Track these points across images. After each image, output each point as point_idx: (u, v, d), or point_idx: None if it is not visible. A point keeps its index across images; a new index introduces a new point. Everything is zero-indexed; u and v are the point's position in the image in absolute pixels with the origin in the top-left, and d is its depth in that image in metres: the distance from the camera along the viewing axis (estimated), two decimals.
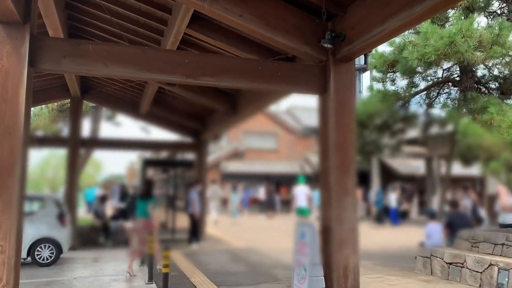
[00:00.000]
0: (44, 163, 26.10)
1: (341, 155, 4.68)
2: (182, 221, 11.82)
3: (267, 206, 20.95)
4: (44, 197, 8.92)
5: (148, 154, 16.77)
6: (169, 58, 4.32)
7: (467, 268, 6.73)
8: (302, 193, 13.05)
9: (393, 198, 16.62)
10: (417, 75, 8.36)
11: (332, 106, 4.71)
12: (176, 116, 11.26)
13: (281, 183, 24.06)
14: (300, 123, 25.83)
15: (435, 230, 7.79)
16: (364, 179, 23.18)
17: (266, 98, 6.72)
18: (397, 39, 7.79)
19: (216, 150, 25.31)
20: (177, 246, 11.20)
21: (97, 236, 11.71)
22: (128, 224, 9.10)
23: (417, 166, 22.47)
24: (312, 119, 26.39)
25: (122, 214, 15.38)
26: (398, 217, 16.89)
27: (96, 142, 12.06)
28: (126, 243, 11.71)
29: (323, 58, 4.71)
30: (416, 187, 22.55)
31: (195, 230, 11.05)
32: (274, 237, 13.43)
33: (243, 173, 22.66)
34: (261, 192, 21.45)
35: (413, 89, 8.06)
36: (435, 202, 16.92)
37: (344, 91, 4.72)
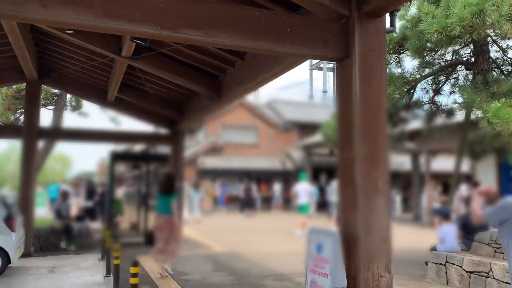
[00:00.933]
0: (4, 157, 24.07)
1: (370, 142, 3.56)
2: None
3: (246, 204, 19.79)
4: None
5: (121, 148, 15.33)
6: (137, 0, 3.05)
7: (494, 278, 5.74)
8: (304, 190, 12.69)
9: None
10: (430, 55, 7.31)
11: (356, 77, 3.58)
12: (149, 103, 9.92)
13: (261, 180, 22.93)
14: (281, 117, 24.72)
15: (450, 233, 6.78)
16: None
17: (259, 75, 5.52)
18: (411, 10, 6.72)
19: (193, 145, 23.92)
20: (150, 251, 9.91)
21: (57, 240, 10.26)
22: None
23: (402, 162, 21.75)
24: (293, 113, 25.35)
25: (88, 214, 13.99)
26: None
27: (57, 133, 10.57)
28: (91, 247, 10.38)
29: (345, 12, 3.57)
30: (401, 184, 21.86)
31: None
32: (258, 239, 12.28)
33: (222, 169, 21.41)
34: (241, 189, 20.26)
35: (427, 70, 7.00)
36: (424, 200, 16.14)
37: (373, 57, 3.59)
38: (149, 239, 7.29)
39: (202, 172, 21.64)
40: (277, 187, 21.64)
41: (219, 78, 7.60)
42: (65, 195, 10.75)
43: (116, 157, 10.99)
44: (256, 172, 22.34)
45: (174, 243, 6.88)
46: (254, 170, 22.27)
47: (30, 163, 9.36)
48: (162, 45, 6.71)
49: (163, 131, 11.17)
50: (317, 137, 22.22)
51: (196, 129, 23.59)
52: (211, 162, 21.94)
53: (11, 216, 7.20)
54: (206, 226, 15.30)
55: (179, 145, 10.91)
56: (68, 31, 6.34)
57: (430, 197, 15.79)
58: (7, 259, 7.01)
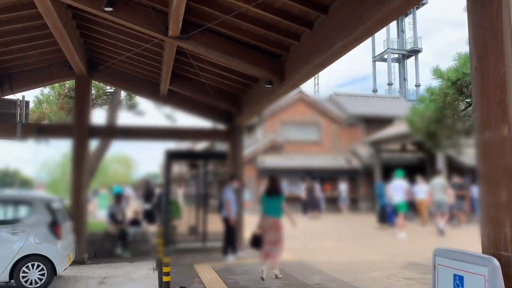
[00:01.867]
0: (66, 159, 24.47)
1: None
2: (216, 226, 9.56)
3: (309, 206, 18.45)
4: (32, 199, 6.82)
5: (184, 147, 14.51)
6: None
7: None
8: (399, 187, 12.31)
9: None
10: None
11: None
12: (202, 94, 8.98)
13: (325, 179, 21.47)
14: (344, 111, 23.08)
15: None
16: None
17: (334, 43, 4.31)
18: None
19: (251, 144, 23.00)
20: (209, 257, 8.96)
21: (112, 246, 9.62)
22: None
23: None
24: (358, 106, 23.61)
25: (147, 217, 13.40)
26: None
27: (109, 131, 9.96)
28: (148, 253, 9.65)
29: None
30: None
31: (231, 238, 8.75)
32: (328, 245, 10.95)
33: (282, 168, 20.23)
34: (302, 190, 18.91)
35: None
36: None
37: None
38: (255, 242, 6.96)
39: (262, 172, 20.60)
40: (342, 187, 20.07)
41: (281, 58, 6.44)
42: (119, 198, 10.10)
43: (172, 156, 10.20)
44: (319, 170, 20.93)
45: (280, 246, 6.84)
46: (316, 169, 20.88)
47: (81, 164, 8.76)
48: (213, 21, 5.69)
49: (220, 127, 10.22)
50: (388, 131, 20.37)
51: (255, 125, 22.63)
52: (271, 161, 20.84)
53: (57, 222, 6.50)
54: None
55: (237, 141, 9.90)
56: (107, 9, 5.48)
57: None
58: (53, 269, 6.32)
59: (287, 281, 6.80)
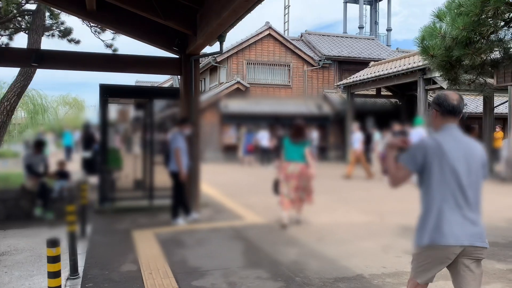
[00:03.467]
0: None
1: None
2: (166, 179, 7.63)
3: (275, 155, 16.73)
4: None
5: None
6: None
7: None
8: (418, 135, 10.91)
9: None
10: None
11: None
12: (143, 8, 6.66)
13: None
14: (316, 52, 21.01)
15: None
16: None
17: None
18: None
19: (214, 86, 20.74)
20: (154, 220, 7.10)
21: (30, 205, 7.55)
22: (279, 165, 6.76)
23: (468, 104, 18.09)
24: (330, 47, 21.58)
25: (86, 166, 11.31)
26: None
27: (20, 56, 7.52)
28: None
29: None
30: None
31: (182, 197, 6.86)
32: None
33: (248, 114, 18.29)
34: (263, 138, 17.07)
35: None
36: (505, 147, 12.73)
37: None
38: (276, 188, 6.81)
39: (225, 117, 18.59)
40: (314, 135, 18.39)
41: None
42: (39, 145, 7.89)
43: (107, 91, 7.98)
44: (288, 117, 19.10)
45: (311, 193, 6.75)
46: (285, 115, 19.04)
47: None
48: None
49: (171, 55, 8.02)
50: (362, 74, 18.62)
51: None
52: (236, 106, 18.80)
53: None
54: (227, 182, 12.45)
55: (191, 74, 7.74)
56: None
57: None
58: None
59: (255, 256, 5.05)
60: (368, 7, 39.83)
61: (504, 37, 5.24)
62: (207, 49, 8.28)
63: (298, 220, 6.76)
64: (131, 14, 7.15)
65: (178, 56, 7.87)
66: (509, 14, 4.82)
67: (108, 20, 7.38)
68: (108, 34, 10.58)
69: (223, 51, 19.87)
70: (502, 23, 5.02)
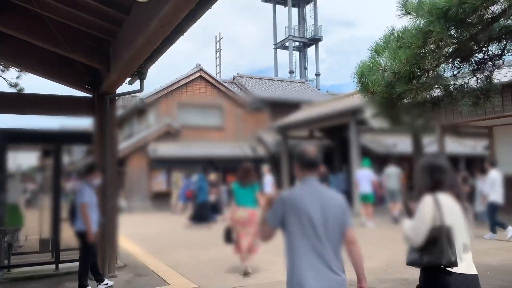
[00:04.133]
0: None
1: None
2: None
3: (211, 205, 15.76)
4: None
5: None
6: None
7: None
8: (367, 177, 11.91)
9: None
10: None
11: None
12: (48, 39, 5.69)
13: (228, 170, 18.96)
14: (249, 95, 20.76)
15: None
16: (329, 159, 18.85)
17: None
18: None
19: (142, 129, 19.56)
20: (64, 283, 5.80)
21: None
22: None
23: (394, 144, 18.50)
24: (263, 89, 21.47)
25: None
26: None
27: None
28: None
29: None
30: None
31: (90, 262, 5.67)
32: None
33: (179, 158, 17.25)
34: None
35: None
36: None
37: None
38: (228, 236, 6.46)
39: (154, 162, 17.40)
40: (267, 179, 17.69)
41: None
42: None
43: (6, 137, 6.73)
44: (222, 160, 18.35)
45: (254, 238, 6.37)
46: (219, 158, 18.28)
47: None
48: None
49: (82, 94, 7.00)
50: (295, 116, 18.51)
51: (146, 107, 19.18)
52: (166, 149, 17.72)
53: None
54: (155, 235, 11.25)
55: (105, 116, 6.76)
56: None
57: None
58: None
59: None
60: (298, 53, 41.28)
61: (444, 73, 4.94)
62: (129, 88, 7.36)
63: (247, 269, 6.37)
64: (34, 47, 6.14)
65: (91, 95, 6.89)
66: (449, 49, 4.51)
67: (3, 53, 6.28)
68: (13, 72, 9.31)
69: (153, 92, 19.00)
70: (443, 58, 4.71)
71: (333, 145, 19.60)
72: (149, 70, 6.50)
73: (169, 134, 18.52)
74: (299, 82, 25.87)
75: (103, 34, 5.81)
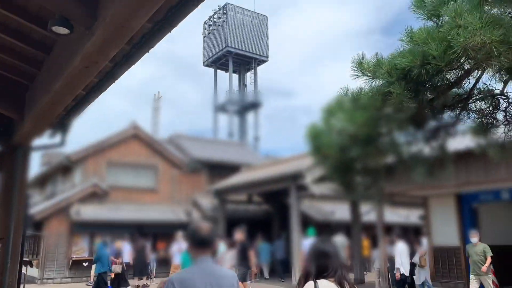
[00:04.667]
0: None
1: None
2: None
3: (137, 271, 14.28)
4: None
5: None
6: None
7: None
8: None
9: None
10: None
11: None
12: None
13: (159, 236, 17.56)
14: (186, 155, 20.00)
15: None
16: (267, 228, 18.19)
17: None
18: None
19: (66, 189, 17.83)
20: None
21: None
22: None
23: (332, 211, 18.36)
24: (201, 150, 20.87)
25: None
26: None
27: None
28: None
29: None
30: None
31: None
32: None
33: (105, 222, 15.70)
34: (125, 250, 14.30)
35: None
36: (377, 257, 12.55)
37: None
38: None
39: (76, 226, 15.66)
40: (182, 246, 16.45)
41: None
42: None
43: None
44: (154, 225, 17.00)
45: None
46: (150, 223, 16.93)
47: None
48: None
49: None
50: (234, 179, 17.92)
51: (71, 165, 17.63)
52: (90, 212, 16.11)
53: None
54: None
55: (17, 171, 5.73)
56: None
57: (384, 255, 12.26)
58: None
59: None
60: (237, 118, 41.77)
61: (398, 138, 4.66)
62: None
63: None
64: None
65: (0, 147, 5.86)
66: (406, 114, 4.25)
67: None
68: None
69: (81, 149, 17.61)
70: (396, 123, 4.44)
71: (272, 210, 19.08)
72: (78, 125, 5.70)
73: (96, 195, 16.99)
74: (238, 144, 25.68)
75: (20, 78, 4.99)
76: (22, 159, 5.78)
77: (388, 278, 11.88)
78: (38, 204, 17.79)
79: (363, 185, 4.67)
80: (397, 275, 9.68)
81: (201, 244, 2.52)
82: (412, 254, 11.50)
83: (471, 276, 8.45)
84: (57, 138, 6.26)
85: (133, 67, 3.68)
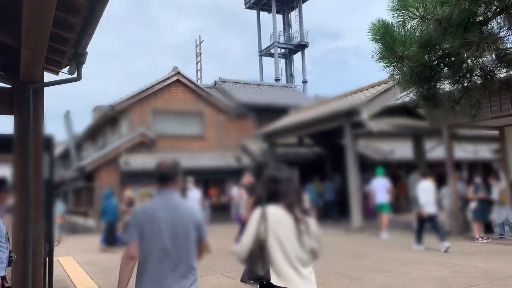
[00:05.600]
0: None
1: None
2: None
3: None
4: None
5: None
6: None
7: None
8: (382, 186, 11.45)
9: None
10: None
11: None
12: None
13: (210, 182, 17.20)
14: (232, 100, 19.12)
15: None
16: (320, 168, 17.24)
17: None
18: None
19: (114, 140, 17.70)
20: None
21: None
22: None
23: (391, 150, 16.98)
24: (247, 95, 19.88)
25: None
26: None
27: None
28: None
29: None
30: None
31: None
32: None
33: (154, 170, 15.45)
34: (194, 196, 14.00)
35: None
36: (446, 196, 11.28)
37: None
38: None
39: (126, 175, 15.54)
40: (234, 191, 15.96)
41: None
42: None
43: None
44: (203, 172, 16.57)
45: None
46: (200, 170, 16.50)
47: None
48: None
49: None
50: (282, 122, 16.89)
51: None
52: (139, 162, 15.89)
53: None
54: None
55: (29, 112, 5.02)
56: None
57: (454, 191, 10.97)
58: None
59: None
60: (283, 60, 39.97)
61: (499, 30, 3.32)
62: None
63: None
64: None
65: (10, 86, 5.15)
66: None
67: None
68: None
69: (125, 99, 17.18)
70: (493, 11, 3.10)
71: (324, 152, 18.01)
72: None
73: (143, 145, 16.70)
74: (285, 87, 24.37)
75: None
76: (34, 97, 5.05)
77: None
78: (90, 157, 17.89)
79: (451, 97, 3.43)
80: (424, 212, 8.75)
81: (163, 178, 2.60)
82: (488, 190, 10.15)
83: None
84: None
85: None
